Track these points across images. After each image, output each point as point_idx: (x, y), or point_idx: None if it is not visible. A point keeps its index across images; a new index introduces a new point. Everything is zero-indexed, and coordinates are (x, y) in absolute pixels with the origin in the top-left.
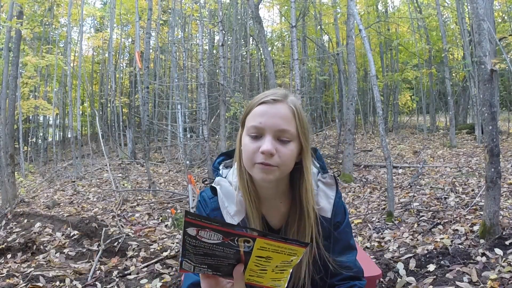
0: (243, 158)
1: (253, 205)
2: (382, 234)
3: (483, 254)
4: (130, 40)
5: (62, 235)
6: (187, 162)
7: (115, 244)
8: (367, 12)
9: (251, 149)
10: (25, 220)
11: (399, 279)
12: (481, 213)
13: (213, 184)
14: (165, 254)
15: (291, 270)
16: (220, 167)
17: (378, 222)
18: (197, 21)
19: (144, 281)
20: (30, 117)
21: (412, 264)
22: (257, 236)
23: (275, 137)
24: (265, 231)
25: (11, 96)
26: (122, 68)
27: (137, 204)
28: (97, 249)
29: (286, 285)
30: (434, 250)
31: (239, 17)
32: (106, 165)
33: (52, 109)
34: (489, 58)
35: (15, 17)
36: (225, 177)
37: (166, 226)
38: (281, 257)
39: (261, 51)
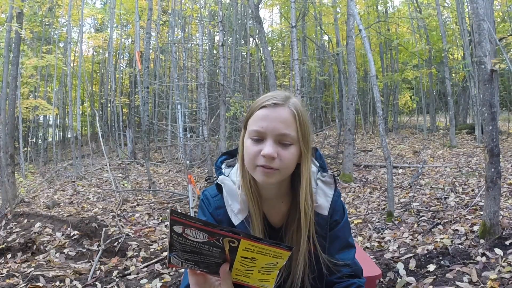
0: (245, 160)
1: (256, 204)
2: (382, 234)
3: (483, 254)
4: (130, 40)
5: (62, 235)
6: (187, 162)
7: (115, 244)
8: (367, 12)
9: (252, 152)
10: (25, 220)
11: (399, 279)
12: (481, 213)
13: (218, 182)
14: (165, 254)
15: (278, 272)
16: (223, 166)
17: (378, 222)
18: (197, 21)
19: (144, 281)
20: (30, 117)
21: (412, 264)
22: (241, 237)
23: (276, 141)
24: (249, 232)
25: (11, 96)
26: (122, 68)
27: (137, 204)
28: (97, 249)
29: (274, 286)
30: (434, 250)
31: (239, 17)
32: (106, 165)
33: (52, 109)
34: (489, 58)
35: (15, 17)
36: (227, 176)
37: (166, 226)
38: (266, 259)
39: (261, 51)
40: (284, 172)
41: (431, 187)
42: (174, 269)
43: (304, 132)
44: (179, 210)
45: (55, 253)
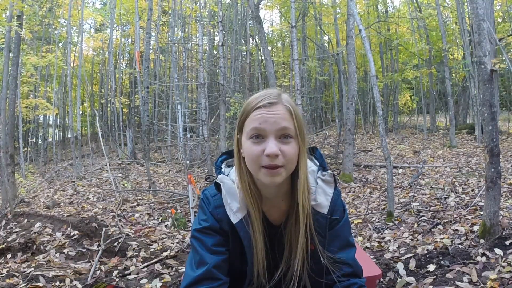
0: (247, 162)
1: (255, 205)
2: (382, 234)
3: (483, 254)
4: (130, 40)
5: (62, 235)
6: (187, 162)
7: (115, 244)
8: (367, 12)
9: (254, 153)
10: (25, 220)
11: (399, 279)
12: (481, 213)
13: (216, 181)
14: (165, 254)
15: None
16: (223, 166)
17: (378, 222)
18: (197, 21)
19: (144, 281)
20: (30, 116)
21: (412, 264)
22: None
23: (277, 138)
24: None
25: (11, 96)
26: (122, 68)
27: (137, 204)
28: (97, 249)
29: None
30: (434, 250)
31: (239, 17)
32: (106, 165)
33: (52, 109)
34: (489, 58)
35: (15, 17)
36: (227, 175)
37: (166, 226)
38: None
39: (261, 51)
40: (288, 168)
41: (431, 187)
42: (174, 269)
43: (300, 126)
44: (179, 210)
45: (55, 253)
